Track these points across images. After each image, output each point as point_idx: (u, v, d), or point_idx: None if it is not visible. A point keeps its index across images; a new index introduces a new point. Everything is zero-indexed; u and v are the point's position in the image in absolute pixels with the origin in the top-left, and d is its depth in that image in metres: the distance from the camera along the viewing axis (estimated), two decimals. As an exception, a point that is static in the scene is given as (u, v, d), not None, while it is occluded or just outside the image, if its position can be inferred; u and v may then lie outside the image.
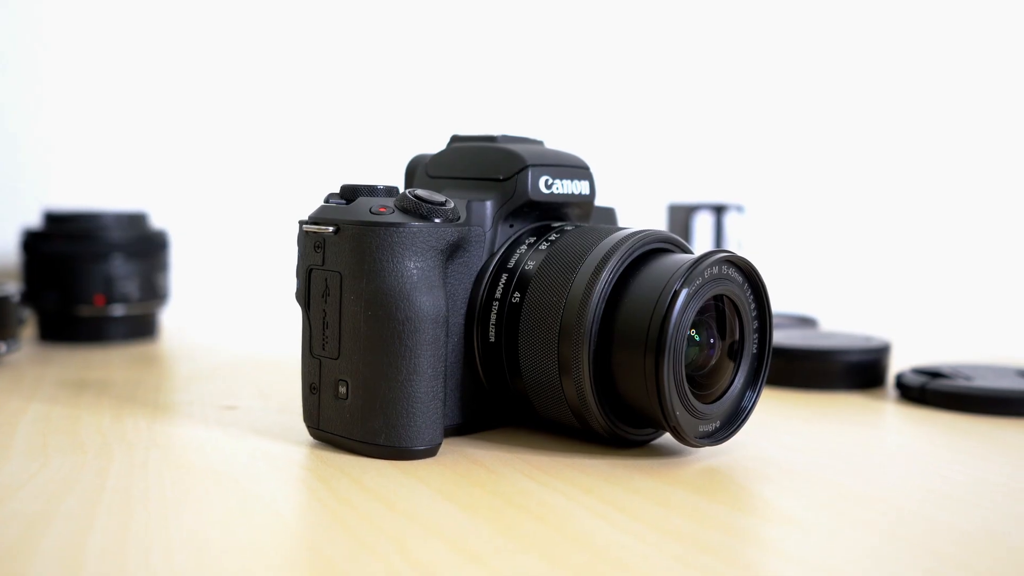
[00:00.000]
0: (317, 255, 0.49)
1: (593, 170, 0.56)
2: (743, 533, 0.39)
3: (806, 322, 0.85)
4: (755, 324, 0.51)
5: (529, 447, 0.50)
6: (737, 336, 0.50)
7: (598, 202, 0.59)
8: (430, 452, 0.48)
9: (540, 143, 0.57)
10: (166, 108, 1.01)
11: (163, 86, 1.00)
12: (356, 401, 0.48)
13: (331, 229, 0.49)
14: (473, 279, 0.52)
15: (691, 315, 0.47)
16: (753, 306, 0.50)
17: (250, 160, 1.04)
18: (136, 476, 0.44)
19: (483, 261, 0.52)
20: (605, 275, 0.48)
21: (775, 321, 0.84)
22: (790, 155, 1.25)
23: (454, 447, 0.50)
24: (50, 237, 0.83)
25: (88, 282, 0.82)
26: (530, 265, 0.51)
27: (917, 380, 0.63)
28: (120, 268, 0.83)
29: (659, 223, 1.06)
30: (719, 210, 1.02)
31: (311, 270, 0.50)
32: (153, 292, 0.85)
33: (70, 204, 0.91)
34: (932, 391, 0.62)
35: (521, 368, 0.50)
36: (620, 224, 0.60)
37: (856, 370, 0.67)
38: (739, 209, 1.03)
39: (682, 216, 1.03)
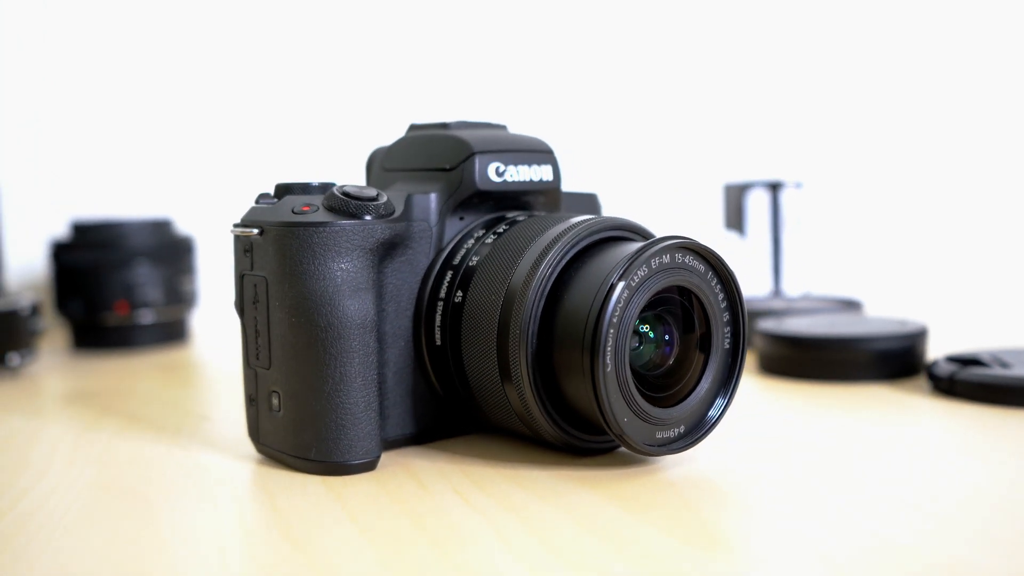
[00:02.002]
0: (247, 259, 0.47)
1: (557, 153, 0.51)
2: (658, 562, 0.34)
3: (850, 305, 0.78)
4: (726, 317, 0.45)
5: (480, 457, 0.47)
6: (703, 332, 0.45)
7: (589, 189, 0.55)
8: (368, 466, 0.45)
9: (501, 127, 0.52)
10: (191, 115, 1.00)
11: (190, 93, 1.00)
12: (287, 414, 0.45)
13: (256, 231, 0.46)
14: (420, 278, 0.48)
15: (634, 310, 0.42)
16: (722, 298, 0.45)
17: (276, 163, 1.02)
18: (53, 498, 0.43)
19: (430, 258, 0.48)
20: (543, 269, 0.43)
21: (814, 304, 0.78)
22: (853, 127, 1.16)
23: (399, 459, 0.47)
24: (74, 247, 0.83)
25: (110, 289, 0.82)
26: (474, 261, 0.47)
27: (947, 369, 0.56)
28: (142, 274, 0.82)
29: (714, 205, 1.00)
30: (775, 187, 0.95)
31: (243, 276, 0.47)
32: (178, 297, 0.85)
33: (99, 214, 0.91)
34: (962, 381, 0.55)
35: (467, 373, 0.46)
36: (604, 212, 0.55)
37: (885, 359, 0.60)
38: (797, 186, 0.95)
39: (736, 195, 0.96)
